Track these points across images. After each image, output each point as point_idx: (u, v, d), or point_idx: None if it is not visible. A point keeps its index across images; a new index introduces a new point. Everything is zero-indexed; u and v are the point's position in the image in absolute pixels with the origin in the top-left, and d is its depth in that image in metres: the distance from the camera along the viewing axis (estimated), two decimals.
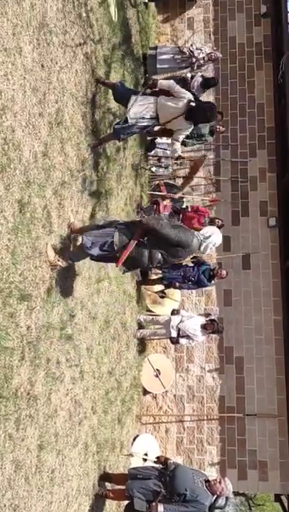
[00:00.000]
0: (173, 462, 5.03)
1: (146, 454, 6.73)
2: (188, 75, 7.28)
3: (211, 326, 6.69)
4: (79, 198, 4.99)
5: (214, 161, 8.72)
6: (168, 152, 8.54)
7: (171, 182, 8.39)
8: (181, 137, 5.42)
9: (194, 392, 7.76)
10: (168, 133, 6.05)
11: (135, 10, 7.66)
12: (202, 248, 4.53)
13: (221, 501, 4.66)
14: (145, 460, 6.50)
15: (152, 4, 8.87)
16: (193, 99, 5.14)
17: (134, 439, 6.94)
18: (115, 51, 6.35)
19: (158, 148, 8.10)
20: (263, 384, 7.66)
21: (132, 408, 6.80)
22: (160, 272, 7.16)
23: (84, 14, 5.16)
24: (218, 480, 4.75)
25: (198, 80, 7.43)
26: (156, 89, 5.27)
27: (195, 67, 7.80)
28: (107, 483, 5.52)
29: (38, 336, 3.94)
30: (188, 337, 6.72)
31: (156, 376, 7.40)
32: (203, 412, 7.68)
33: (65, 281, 4.55)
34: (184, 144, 6.22)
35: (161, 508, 4.59)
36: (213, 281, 7.06)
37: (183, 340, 6.77)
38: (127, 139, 5.90)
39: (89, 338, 5.21)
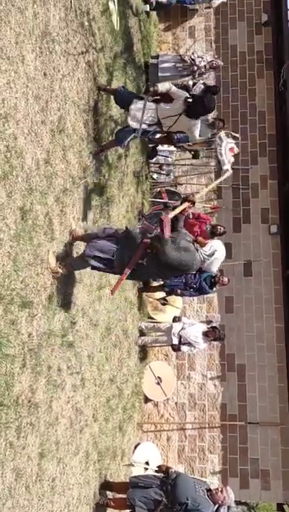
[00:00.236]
0: (174, 471, 5.00)
1: (147, 463, 6.69)
2: (190, 83, 7.32)
3: (212, 333, 6.66)
4: (80, 205, 5.00)
5: (215, 169, 8.75)
6: (169, 159, 8.58)
7: (172, 189, 8.40)
8: (197, 131, 5.42)
9: (196, 400, 7.72)
10: (169, 141, 6.07)
11: (137, 19, 7.73)
12: (206, 264, 4.50)
13: (223, 510, 4.63)
14: (146, 469, 6.45)
15: (154, 13, 8.94)
16: (189, 95, 5.17)
17: (136, 447, 6.89)
18: (117, 59, 6.39)
19: (159, 155, 8.13)
20: (265, 392, 7.62)
21: (133, 416, 6.77)
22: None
23: (86, 23, 5.20)
24: (219, 489, 4.72)
25: (200, 86, 7.45)
26: (158, 97, 5.30)
27: (196, 75, 7.86)
28: (108, 492, 5.48)
29: (39, 343, 3.93)
30: (189, 344, 6.70)
31: (158, 384, 7.37)
32: (205, 420, 7.63)
33: (66, 288, 4.55)
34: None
35: None
36: (214, 288, 7.03)
37: (184, 348, 6.74)
38: (128, 145, 5.92)
39: (90, 345, 5.20)
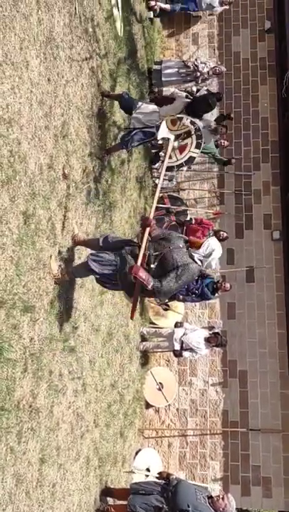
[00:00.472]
0: (175, 477, 4.97)
1: (148, 469, 6.65)
2: (194, 89, 7.37)
3: (214, 339, 6.65)
4: (83, 210, 5.01)
5: (218, 174, 8.77)
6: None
7: (174, 194, 8.42)
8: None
9: (197, 406, 7.69)
10: None
11: (141, 25, 7.77)
12: (205, 265, 4.45)
13: None
14: (147, 476, 6.42)
15: (157, 20, 8.99)
16: (189, 95, 5.23)
17: (137, 453, 6.86)
18: (121, 65, 6.43)
19: (162, 160, 8.14)
20: (267, 398, 7.59)
21: (134, 422, 6.74)
22: None
23: (90, 29, 5.24)
24: (221, 496, 4.68)
25: (203, 93, 7.50)
26: (160, 97, 5.40)
27: (199, 81, 7.90)
28: (108, 498, 5.45)
29: (40, 347, 3.93)
30: (191, 350, 6.68)
31: (159, 389, 7.35)
32: (207, 427, 7.59)
33: (68, 293, 4.55)
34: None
35: None
36: (216, 294, 7.02)
37: (186, 353, 6.73)
38: (132, 149, 5.96)
39: (92, 350, 5.19)
